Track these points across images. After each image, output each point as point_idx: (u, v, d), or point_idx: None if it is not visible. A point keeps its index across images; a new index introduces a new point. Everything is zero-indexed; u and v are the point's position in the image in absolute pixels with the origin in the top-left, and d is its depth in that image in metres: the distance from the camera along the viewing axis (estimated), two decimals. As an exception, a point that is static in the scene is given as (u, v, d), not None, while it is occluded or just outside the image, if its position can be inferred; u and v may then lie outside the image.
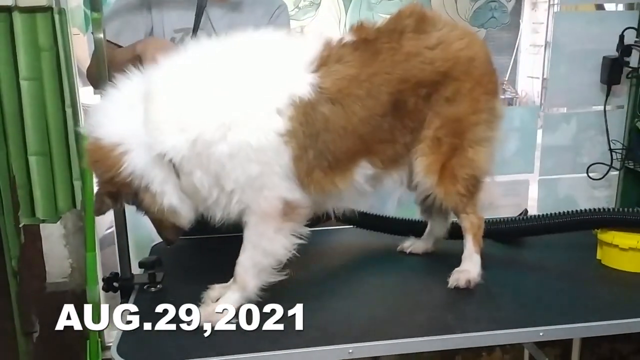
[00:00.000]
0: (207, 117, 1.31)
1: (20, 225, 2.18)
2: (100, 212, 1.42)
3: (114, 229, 1.70)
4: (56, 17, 2.02)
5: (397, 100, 1.44)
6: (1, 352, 2.23)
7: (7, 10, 1.97)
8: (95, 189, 1.42)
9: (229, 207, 1.38)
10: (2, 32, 1.99)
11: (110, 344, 2.40)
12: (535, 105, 2.97)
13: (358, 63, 1.41)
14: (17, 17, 1.98)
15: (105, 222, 2.56)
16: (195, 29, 1.64)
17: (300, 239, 1.42)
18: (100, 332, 2.35)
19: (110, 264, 2.39)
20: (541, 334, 1.39)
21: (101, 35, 1.54)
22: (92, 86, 1.84)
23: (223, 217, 1.41)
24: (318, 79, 1.36)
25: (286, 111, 1.33)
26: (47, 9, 2.00)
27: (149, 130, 1.31)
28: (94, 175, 1.42)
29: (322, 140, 1.38)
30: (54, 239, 2.33)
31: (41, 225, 2.25)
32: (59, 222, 2.26)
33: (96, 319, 2.19)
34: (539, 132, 2.58)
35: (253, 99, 1.32)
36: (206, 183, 1.34)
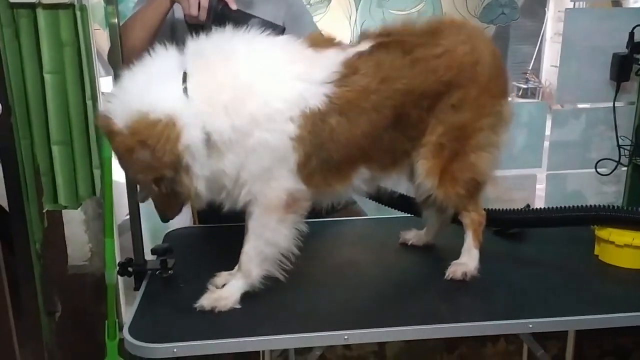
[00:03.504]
0: (245, 109, 1.35)
1: (44, 211, 2.29)
2: (144, 200, 1.42)
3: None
4: (77, 13, 2.11)
5: (399, 114, 1.48)
6: (26, 330, 2.34)
7: (32, 7, 2.07)
8: (130, 175, 1.36)
9: (238, 197, 1.45)
10: (27, 28, 2.09)
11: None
12: (544, 102, 2.96)
13: (371, 71, 1.44)
14: (41, 14, 2.07)
15: (124, 209, 2.66)
16: (206, 25, 1.69)
17: (301, 231, 1.49)
18: (118, 313, 2.46)
19: (128, 248, 2.48)
20: (530, 325, 1.44)
21: (115, 23, 1.59)
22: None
23: (231, 206, 1.48)
24: (333, 89, 1.41)
25: (297, 119, 1.39)
26: (69, 6, 2.09)
27: (202, 105, 1.32)
28: (137, 156, 1.29)
29: (326, 149, 1.44)
30: (75, 225, 2.44)
31: (63, 211, 2.36)
32: (79, 209, 2.37)
33: (112, 299, 2.32)
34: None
35: (275, 103, 1.38)
36: (232, 169, 1.38)
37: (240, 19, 1.62)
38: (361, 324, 1.42)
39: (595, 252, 1.79)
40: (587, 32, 2.43)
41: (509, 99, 1.64)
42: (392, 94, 1.46)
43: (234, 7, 1.68)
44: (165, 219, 1.44)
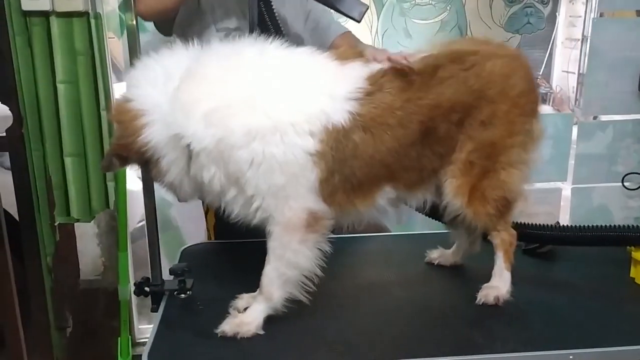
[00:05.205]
0: (237, 121, 1.32)
1: (56, 224, 2.24)
2: (108, 170, 1.57)
3: (144, 222, 1.71)
4: (92, 21, 2.05)
5: (427, 128, 1.44)
6: (36, 346, 2.30)
7: (45, 15, 2.01)
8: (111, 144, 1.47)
9: (247, 208, 1.39)
10: (40, 36, 2.04)
11: (140, 341, 2.47)
12: (569, 113, 2.89)
13: (395, 91, 1.41)
14: (54, 22, 2.02)
15: (136, 215, 2.61)
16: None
17: (324, 251, 1.42)
18: (131, 329, 2.40)
19: (141, 256, 2.43)
20: (571, 357, 1.37)
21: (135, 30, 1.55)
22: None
23: (240, 215, 1.42)
24: (357, 107, 1.37)
25: (319, 134, 1.34)
26: (83, 14, 2.04)
27: (175, 109, 1.32)
28: (115, 129, 1.46)
29: (349, 166, 1.39)
30: (88, 238, 2.40)
31: (75, 224, 2.31)
32: (92, 222, 2.32)
33: (125, 315, 2.26)
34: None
35: (287, 117, 1.33)
36: (218, 181, 1.36)
37: None
38: (392, 355, 1.35)
39: (631, 275, 1.71)
40: (614, 42, 2.36)
41: (540, 118, 1.59)
42: (419, 109, 1.42)
43: None
44: (178, 199, 1.52)
